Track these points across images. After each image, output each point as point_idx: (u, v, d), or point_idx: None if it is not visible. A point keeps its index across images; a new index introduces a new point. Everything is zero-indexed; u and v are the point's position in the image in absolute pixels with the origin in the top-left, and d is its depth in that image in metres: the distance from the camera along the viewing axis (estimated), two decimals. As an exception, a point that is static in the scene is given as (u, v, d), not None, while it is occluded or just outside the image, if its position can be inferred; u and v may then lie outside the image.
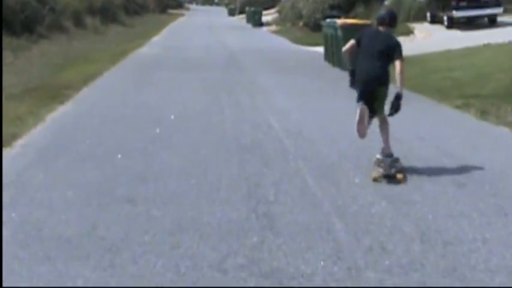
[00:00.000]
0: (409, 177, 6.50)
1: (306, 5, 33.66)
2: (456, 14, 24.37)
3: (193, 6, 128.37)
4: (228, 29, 41.60)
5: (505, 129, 9.14)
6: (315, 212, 5.41)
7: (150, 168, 6.77)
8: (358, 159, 7.22)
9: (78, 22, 30.64)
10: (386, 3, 33.22)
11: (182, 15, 70.93)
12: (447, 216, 5.38)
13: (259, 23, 44.59)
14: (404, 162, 6.89)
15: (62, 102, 11.20)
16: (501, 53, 16.87)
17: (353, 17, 30.93)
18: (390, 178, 6.48)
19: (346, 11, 31.78)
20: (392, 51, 6.65)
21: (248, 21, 49.29)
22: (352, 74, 6.90)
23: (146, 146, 7.84)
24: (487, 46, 18.36)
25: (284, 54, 22.53)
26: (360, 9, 31.29)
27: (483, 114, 10.13)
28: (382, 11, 7.11)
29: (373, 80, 6.75)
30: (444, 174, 6.63)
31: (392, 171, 6.57)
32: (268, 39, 32.48)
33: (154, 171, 6.65)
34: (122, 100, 11.63)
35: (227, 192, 5.94)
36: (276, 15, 49.55)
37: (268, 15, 49.46)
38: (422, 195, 5.94)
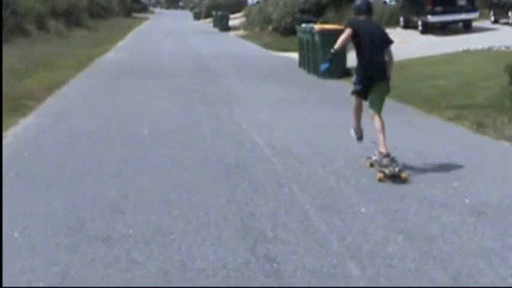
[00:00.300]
0: (420, 204, 5.76)
1: (275, 9, 32.92)
2: (431, 18, 23.84)
3: (157, 9, 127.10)
4: (195, 33, 40.73)
5: (506, 144, 8.47)
6: (324, 252, 4.62)
7: (125, 196, 5.92)
8: (358, 182, 6.46)
9: (41, 25, 29.52)
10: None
11: (147, 19, 69.79)
12: (476, 254, 4.63)
13: (226, 28, 43.78)
14: (410, 184, 6.17)
15: (24, 115, 10.26)
16: (482, 59, 16.31)
17: (323, 22, 30.37)
18: (395, 177, 6.37)
19: (316, 15, 31.14)
20: (386, 36, 6.93)
21: (215, 25, 48.45)
22: (333, 58, 6.96)
23: (119, 168, 6.97)
24: (466, 52, 17.80)
25: (256, 60, 21.79)
26: (330, 13, 30.65)
27: (479, 127, 9.45)
28: (357, 1, 7.33)
29: (382, 71, 6.85)
30: (457, 200, 5.90)
31: (396, 170, 6.41)
32: (237, 44, 31.71)
33: (131, 200, 5.80)
34: (90, 112, 10.74)
35: (218, 227, 5.11)
36: (243, 19, 48.83)
37: (235, 20, 48.66)
38: (441, 227, 5.18)
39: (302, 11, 31.20)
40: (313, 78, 16.10)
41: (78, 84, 14.50)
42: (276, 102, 12.13)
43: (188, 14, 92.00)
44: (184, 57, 22.47)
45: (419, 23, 25.01)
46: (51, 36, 28.98)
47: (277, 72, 18.19)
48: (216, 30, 45.05)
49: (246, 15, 52.13)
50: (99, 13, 51.76)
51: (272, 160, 7.39)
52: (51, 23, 31.23)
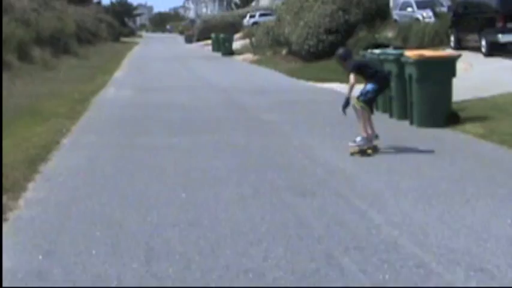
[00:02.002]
0: None
1: (294, 30, 28.01)
2: (503, 38, 19.01)
3: (144, 33, 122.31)
4: (197, 59, 35.70)
5: None
6: None
7: None
8: None
9: (24, 55, 24.44)
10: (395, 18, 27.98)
11: (137, 43, 64.77)
12: None
13: (230, 51, 38.84)
14: None
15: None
16: None
17: (357, 43, 25.57)
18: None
19: (345, 36, 26.31)
20: None
21: (215, 49, 43.54)
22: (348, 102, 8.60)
23: None
24: None
25: (297, 96, 16.81)
26: (362, 33, 25.78)
27: None
28: (339, 50, 9.17)
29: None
30: None
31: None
32: (254, 72, 26.63)
33: None
34: (101, 217, 5.70)
35: None
36: (244, 41, 43.96)
37: (233, 42, 43.65)
38: None
39: (328, 32, 26.33)
40: (405, 127, 11.15)
41: (74, 150, 9.43)
42: (417, 196, 7.03)
43: (177, 38, 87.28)
44: (202, 93, 17.53)
45: (483, 43, 20.14)
46: (36, 67, 23.89)
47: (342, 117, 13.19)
48: (218, 54, 40.04)
49: (248, 37, 47.34)
50: (87, 38, 46.72)
51: None
52: (36, 52, 26.16)
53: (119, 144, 9.73)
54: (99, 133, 10.81)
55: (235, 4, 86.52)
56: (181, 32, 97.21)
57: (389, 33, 26.39)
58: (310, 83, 20.25)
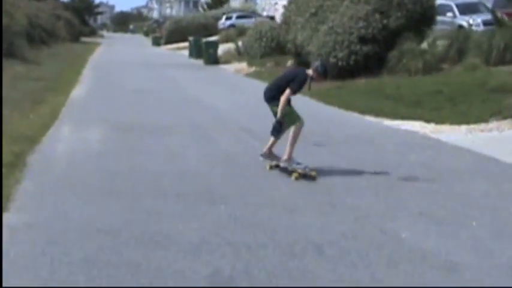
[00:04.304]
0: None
1: (311, 36, 20.83)
2: None
3: (106, 33, 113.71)
4: (177, 69, 28.19)
5: None
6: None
7: None
8: None
9: None
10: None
11: (99, 44, 56.57)
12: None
13: (214, 60, 31.41)
14: None
15: None
16: None
17: (400, 56, 18.55)
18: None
19: (384, 46, 19.29)
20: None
21: (193, 55, 36.13)
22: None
23: None
24: None
25: (410, 161, 9.68)
26: (408, 44, 18.75)
27: None
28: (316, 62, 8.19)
29: None
30: None
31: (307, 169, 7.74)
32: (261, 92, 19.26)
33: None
34: None
35: None
36: (224, 46, 36.64)
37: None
38: None
39: (362, 40, 19.25)
40: None
41: None
42: None
43: (142, 39, 79.49)
44: (224, 144, 10.44)
45: None
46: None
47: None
48: (198, 62, 32.60)
49: (228, 41, 40.07)
50: (42, 38, 38.74)
51: None
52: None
53: None
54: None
55: (207, 4, 78.89)
56: (146, 33, 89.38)
57: (439, 44, 19.45)
58: (375, 120, 13.17)
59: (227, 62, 31.37)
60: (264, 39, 29.82)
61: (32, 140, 9.82)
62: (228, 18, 55.13)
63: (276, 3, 69.49)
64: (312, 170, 7.87)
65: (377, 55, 19.31)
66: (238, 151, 9.64)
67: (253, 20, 51.31)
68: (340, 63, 19.24)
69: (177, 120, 12.64)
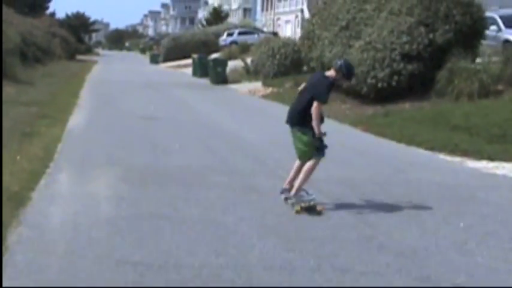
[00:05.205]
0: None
1: (341, 53, 17.88)
2: None
3: (101, 51, 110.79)
4: (182, 88, 25.29)
5: None
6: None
7: None
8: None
9: None
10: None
11: (95, 62, 53.59)
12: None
13: (223, 79, 28.46)
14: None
15: None
16: None
17: (449, 76, 15.67)
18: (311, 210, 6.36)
19: (429, 64, 16.43)
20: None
21: (196, 74, 33.20)
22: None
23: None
24: None
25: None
26: (461, 62, 15.86)
27: None
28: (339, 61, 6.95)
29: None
30: None
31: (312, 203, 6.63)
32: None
33: None
34: None
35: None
36: (233, 64, 33.67)
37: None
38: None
39: (406, 58, 16.37)
40: None
41: None
42: None
43: (139, 56, 76.76)
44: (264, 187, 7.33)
45: None
46: None
47: None
48: (204, 81, 29.67)
49: (230, 57, 37.19)
50: (36, 56, 35.74)
51: None
52: None
53: None
54: None
55: (207, 21, 76.11)
56: (142, 51, 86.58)
57: (493, 63, 16.57)
58: (452, 160, 10.26)
59: (236, 81, 28.45)
60: (277, 57, 27.01)
61: (17, 200, 6.84)
62: (229, 35, 52.39)
63: (278, 19, 66.94)
64: (318, 203, 6.77)
65: (422, 75, 16.42)
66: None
67: (255, 36, 48.68)
68: (380, 84, 16.32)
69: (206, 161, 9.70)
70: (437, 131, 12.15)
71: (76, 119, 14.33)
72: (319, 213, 6.68)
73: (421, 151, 11.04)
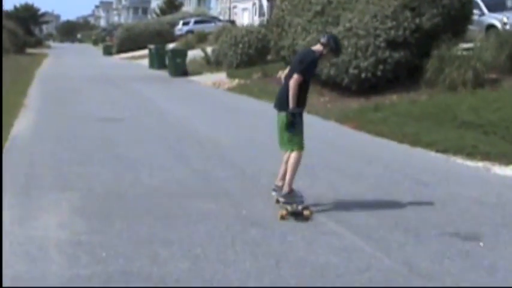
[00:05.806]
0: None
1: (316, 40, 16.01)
2: None
3: (52, 43, 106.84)
4: (141, 82, 23.20)
5: None
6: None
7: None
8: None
9: None
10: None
11: (46, 55, 50.73)
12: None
13: (183, 71, 26.36)
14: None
15: None
16: None
17: (439, 64, 14.03)
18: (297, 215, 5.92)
19: (415, 52, 14.77)
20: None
21: (154, 66, 31.01)
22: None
23: None
24: None
25: None
26: (446, 48, 14.21)
27: None
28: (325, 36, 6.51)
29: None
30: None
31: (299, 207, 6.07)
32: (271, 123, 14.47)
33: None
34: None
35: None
36: (191, 54, 31.59)
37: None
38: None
39: (392, 45, 14.65)
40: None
41: None
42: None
43: (91, 48, 73.72)
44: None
45: None
46: None
47: None
48: (162, 73, 27.56)
49: (185, 46, 35.15)
50: (-19, 50, 33.02)
51: None
52: None
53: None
54: None
55: (160, 10, 73.49)
56: (94, 42, 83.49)
57: (487, 49, 14.94)
58: (473, 165, 8.56)
59: (197, 73, 26.43)
60: (240, 46, 25.16)
61: None
62: (185, 24, 50.25)
63: (234, 7, 64.88)
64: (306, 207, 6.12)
65: (409, 64, 14.76)
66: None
67: (212, 25, 46.78)
68: (363, 74, 14.57)
69: (182, 177, 7.79)
70: (444, 128, 10.46)
71: (21, 124, 12.21)
72: (306, 218, 6.03)
73: (432, 154, 9.32)
